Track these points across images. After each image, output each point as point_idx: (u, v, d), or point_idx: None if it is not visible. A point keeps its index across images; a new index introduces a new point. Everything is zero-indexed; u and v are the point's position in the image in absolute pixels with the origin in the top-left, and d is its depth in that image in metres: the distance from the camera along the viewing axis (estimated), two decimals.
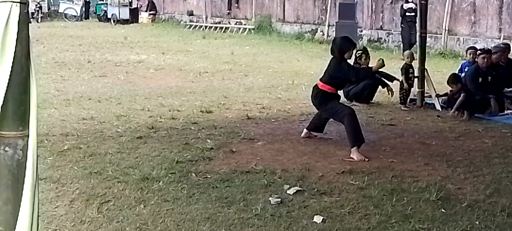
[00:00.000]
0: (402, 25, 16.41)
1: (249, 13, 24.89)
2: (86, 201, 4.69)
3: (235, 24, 25.31)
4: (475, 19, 15.82)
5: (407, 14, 16.08)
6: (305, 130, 6.95)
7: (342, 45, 6.49)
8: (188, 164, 5.74)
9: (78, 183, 5.13)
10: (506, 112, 8.40)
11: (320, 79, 6.57)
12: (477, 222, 4.31)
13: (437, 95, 8.84)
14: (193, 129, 7.31)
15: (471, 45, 12.02)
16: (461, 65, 10.44)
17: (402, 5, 16.58)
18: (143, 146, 6.45)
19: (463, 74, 9.31)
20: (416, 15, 14.96)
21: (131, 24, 28.99)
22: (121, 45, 18.87)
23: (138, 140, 6.70)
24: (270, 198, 4.75)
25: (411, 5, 15.91)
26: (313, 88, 6.66)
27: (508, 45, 10.59)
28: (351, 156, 6.00)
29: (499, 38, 14.51)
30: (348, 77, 6.66)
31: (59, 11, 32.43)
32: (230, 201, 4.71)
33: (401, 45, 16.53)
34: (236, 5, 25.74)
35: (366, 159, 5.91)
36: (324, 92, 6.46)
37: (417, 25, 15.00)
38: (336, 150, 6.36)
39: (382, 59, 6.57)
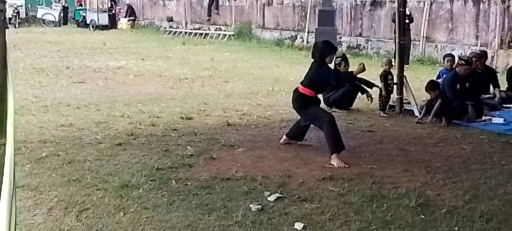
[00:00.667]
0: (394, 33, 15.90)
1: (228, 20, 24.89)
2: (64, 209, 4.63)
3: (215, 30, 25.29)
4: (453, 26, 16.00)
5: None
6: (284, 136, 6.96)
7: (324, 49, 6.50)
8: (168, 171, 5.71)
9: (56, 190, 5.07)
10: (483, 118, 8.49)
11: (301, 83, 6.61)
12: (456, 228, 4.34)
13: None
14: (173, 135, 7.28)
15: (448, 52, 12.15)
16: (439, 72, 10.56)
17: (394, 13, 16.07)
18: (122, 153, 6.40)
19: (440, 80, 9.40)
20: (409, 22, 14.82)
21: (110, 30, 28.85)
22: (100, 51, 18.74)
23: (118, 146, 6.65)
24: (251, 205, 4.74)
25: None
26: (293, 91, 6.68)
27: (485, 52, 10.72)
28: (331, 162, 6.00)
29: (476, 46, 14.69)
30: (329, 81, 6.68)
31: (37, 16, 32.18)
32: (211, 208, 4.69)
33: (380, 51, 16.50)
34: (216, 11, 25.74)
35: (346, 166, 5.91)
36: (304, 96, 6.48)
37: (396, 33, 15.11)
38: (316, 156, 6.37)
39: (363, 64, 6.60)
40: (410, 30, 15.10)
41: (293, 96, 6.64)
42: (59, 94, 10.30)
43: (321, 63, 6.44)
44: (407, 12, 14.94)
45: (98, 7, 29.93)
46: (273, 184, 5.35)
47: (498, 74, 10.76)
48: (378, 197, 5.01)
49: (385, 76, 9.01)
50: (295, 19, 21.50)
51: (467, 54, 10.82)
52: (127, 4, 31.60)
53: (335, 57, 7.72)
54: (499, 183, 5.48)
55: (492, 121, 8.39)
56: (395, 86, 9.21)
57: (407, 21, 14.87)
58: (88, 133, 7.35)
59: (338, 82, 7.08)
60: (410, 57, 15.75)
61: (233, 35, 23.65)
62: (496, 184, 5.44)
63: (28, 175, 5.47)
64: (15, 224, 2.11)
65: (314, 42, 18.20)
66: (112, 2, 31.05)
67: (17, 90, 9.93)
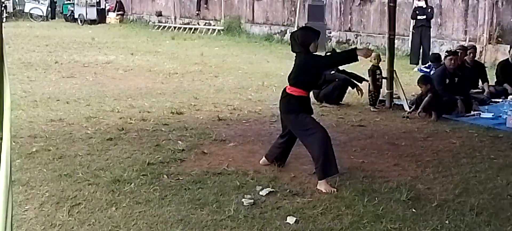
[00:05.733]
0: (412, 30, 14.82)
1: (218, 14, 24.85)
2: (56, 204, 4.62)
3: (204, 25, 25.24)
4: (442, 21, 16.08)
5: (419, 17, 14.36)
6: (264, 158, 5.87)
7: (304, 36, 5.43)
8: (160, 165, 5.71)
9: (47, 185, 5.05)
10: (472, 113, 8.55)
11: (289, 84, 5.48)
12: (447, 222, 4.38)
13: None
14: (164, 130, 7.27)
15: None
16: (428, 66, 10.62)
17: (414, 8, 14.77)
18: (113, 147, 6.39)
19: (432, 72, 9.45)
20: (427, 19, 14.22)
21: (99, 25, 28.68)
22: (89, 46, 18.64)
23: (108, 141, 6.63)
24: (243, 200, 4.76)
25: (422, 3, 14.36)
26: (281, 93, 5.59)
27: (474, 46, 10.79)
28: (318, 187, 5.12)
29: (465, 41, 14.77)
30: (321, 67, 5.87)
31: (25, 10, 31.86)
32: (203, 202, 4.70)
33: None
34: (205, 6, 25.67)
35: (335, 190, 5.05)
36: (292, 97, 5.37)
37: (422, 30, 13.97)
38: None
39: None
40: (430, 27, 14.38)
41: (280, 98, 5.56)
42: (48, 89, 10.25)
43: (305, 53, 5.38)
44: (424, 5, 14.23)
45: (86, 1, 29.74)
46: (265, 178, 5.36)
47: (486, 69, 10.83)
48: (369, 191, 5.04)
49: (373, 71, 9.05)
50: (285, 14, 21.51)
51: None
52: None
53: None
54: (489, 177, 5.53)
55: (481, 116, 8.46)
56: (384, 80, 9.25)
57: (424, 16, 14.16)
58: (79, 127, 7.32)
59: (332, 64, 6.31)
60: (400, 53, 15.76)
61: (222, 30, 23.60)
62: (486, 178, 5.50)
63: (19, 170, 5.44)
64: (12, 218, 2.10)
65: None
66: None
67: None
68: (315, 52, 5.40)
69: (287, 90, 5.45)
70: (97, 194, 4.87)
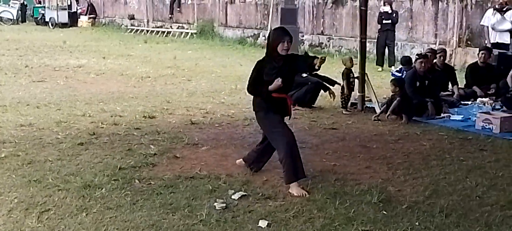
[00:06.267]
0: (378, 34, 15.06)
1: (191, 18, 24.79)
2: (25, 210, 4.55)
3: (177, 28, 25.15)
4: (412, 24, 16.28)
5: (384, 21, 14.79)
6: (241, 159, 5.89)
7: (273, 36, 5.26)
8: (131, 170, 5.67)
9: (16, 191, 4.97)
10: (442, 115, 8.67)
11: None
12: (417, 223, 4.43)
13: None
14: (136, 134, 7.22)
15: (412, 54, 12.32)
16: (400, 70, 10.74)
17: (380, 13, 15.08)
18: (84, 152, 6.32)
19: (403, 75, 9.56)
20: (392, 23, 14.73)
21: (70, 28, 28.43)
22: (60, 50, 18.45)
23: (79, 146, 6.56)
24: (215, 204, 4.74)
25: (387, 8, 14.84)
26: None
27: (444, 49, 10.94)
28: (290, 191, 5.08)
29: (435, 44, 14.97)
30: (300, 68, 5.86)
31: None
32: (175, 207, 4.67)
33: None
34: (178, 9, 25.60)
35: (306, 193, 5.04)
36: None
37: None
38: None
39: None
40: (394, 31, 14.95)
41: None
42: (18, 94, 10.10)
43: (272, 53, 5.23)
44: (389, 10, 14.74)
45: (57, 4, 29.42)
46: (237, 182, 5.36)
47: (456, 72, 10.98)
48: (341, 193, 5.07)
49: (347, 74, 9.11)
50: (258, 17, 21.55)
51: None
52: (87, 1, 31.17)
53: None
54: (458, 179, 5.61)
55: (451, 118, 8.57)
56: (356, 84, 9.32)
57: (389, 21, 14.74)
58: (49, 132, 7.23)
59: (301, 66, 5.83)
60: (371, 56, 15.91)
61: (195, 33, 23.56)
62: (455, 180, 5.57)
63: None
64: None
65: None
66: (72, 0, 30.58)
67: None
68: (284, 52, 5.16)
69: None
70: (67, 199, 4.81)
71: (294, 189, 5.09)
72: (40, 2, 32.42)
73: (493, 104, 9.51)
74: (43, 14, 30.40)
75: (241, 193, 5.03)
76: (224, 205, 4.73)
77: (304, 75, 9.26)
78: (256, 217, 4.51)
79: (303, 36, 19.28)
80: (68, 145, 6.59)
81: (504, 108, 9.08)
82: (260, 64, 5.32)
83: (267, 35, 5.22)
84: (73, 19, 29.87)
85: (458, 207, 4.80)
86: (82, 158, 6.08)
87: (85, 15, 30.42)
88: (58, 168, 5.71)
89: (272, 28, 5.69)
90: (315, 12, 19.27)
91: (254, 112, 5.47)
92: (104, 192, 4.99)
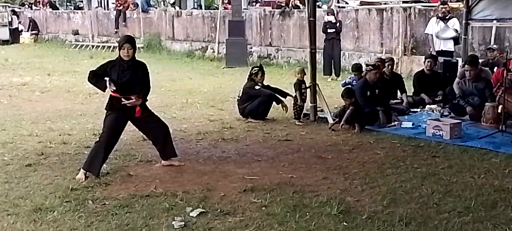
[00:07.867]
0: (324, 43, 15.22)
1: (137, 32, 24.43)
2: None
3: None
4: (359, 34, 16.51)
5: (329, 31, 15.07)
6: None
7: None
8: (84, 191, 5.49)
9: None
10: (393, 123, 8.77)
11: None
12: None
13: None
14: (86, 153, 6.95)
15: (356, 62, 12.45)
16: (350, 80, 10.83)
17: (324, 22, 15.31)
18: (33, 174, 6.10)
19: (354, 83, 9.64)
20: (336, 32, 15.02)
21: (12, 45, 27.64)
22: (2, 67, 17.89)
23: (27, 167, 6.33)
24: (173, 222, 4.64)
25: (331, 18, 15.20)
26: None
27: (392, 59, 11.12)
28: (78, 174, 5.93)
29: (381, 53, 15.22)
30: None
31: None
32: (132, 227, 4.55)
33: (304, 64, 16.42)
34: (124, 23, 25.23)
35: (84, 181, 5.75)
36: (109, 97, 6.30)
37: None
38: (236, 168, 6.34)
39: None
40: (339, 40, 15.20)
41: None
42: None
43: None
44: (333, 20, 15.09)
45: None
46: (194, 198, 5.26)
47: (403, 79, 11.17)
48: (300, 206, 5.04)
49: (299, 85, 9.13)
50: (205, 30, 21.46)
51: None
52: (29, 17, 30.39)
53: (251, 68, 7.58)
54: (414, 186, 5.66)
55: (402, 125, 8.69)
56: (308, 94, 9.35)
57: (333, 30, 14.99)
58: None
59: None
60: (321, 66, 16.00)
61: (142, 47, 23.19)
62: (411, 187, 5.62)
63: None
64: None
65: (225, 53, 18.32)
66: (13, 16, 29.74)
67: None
68: (126, 58, 6.05)
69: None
70: (17, 224, 4.61)
71: (80, 174, 5.85)
72: None
73: (441, 111, 9.70)
74: None
75: (199, 209, 4.94)
76: (183, 223, 4.62)
77: (257, 87, 9.25)
78: None
79: (251, 48, 19.30)
80: (16, 167, 6.35)
81: (452, 114, 9.28)
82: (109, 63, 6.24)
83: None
84: (15, 35, 29.06)
85: (416, 216, 4.83)
86: (31, 180, 5.86)
87: (27, 31, 29.63)
88: (6, 191, 5.48)
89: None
90: (262, 24, 19.33)
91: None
92: (56, 215, 4.81)
